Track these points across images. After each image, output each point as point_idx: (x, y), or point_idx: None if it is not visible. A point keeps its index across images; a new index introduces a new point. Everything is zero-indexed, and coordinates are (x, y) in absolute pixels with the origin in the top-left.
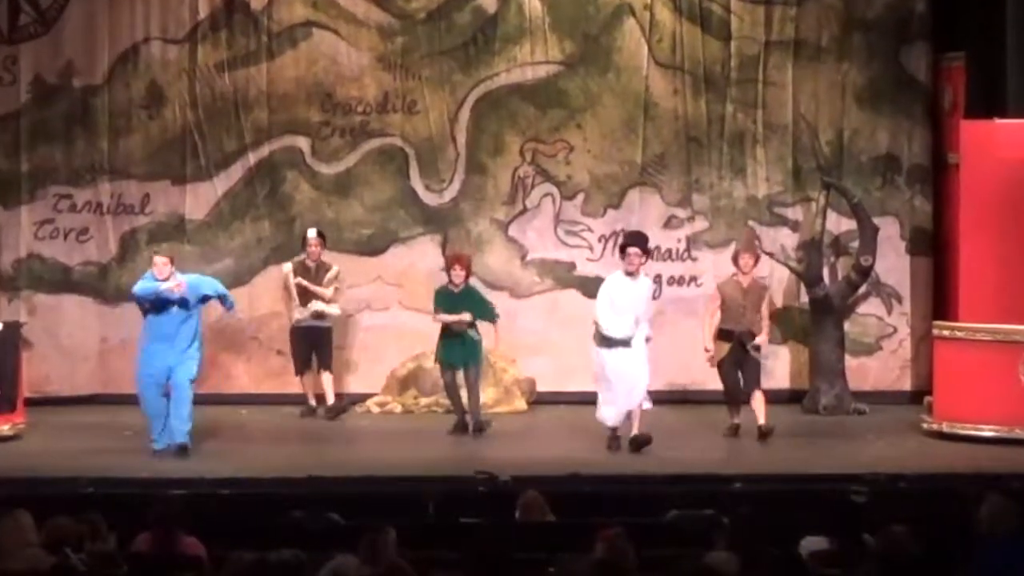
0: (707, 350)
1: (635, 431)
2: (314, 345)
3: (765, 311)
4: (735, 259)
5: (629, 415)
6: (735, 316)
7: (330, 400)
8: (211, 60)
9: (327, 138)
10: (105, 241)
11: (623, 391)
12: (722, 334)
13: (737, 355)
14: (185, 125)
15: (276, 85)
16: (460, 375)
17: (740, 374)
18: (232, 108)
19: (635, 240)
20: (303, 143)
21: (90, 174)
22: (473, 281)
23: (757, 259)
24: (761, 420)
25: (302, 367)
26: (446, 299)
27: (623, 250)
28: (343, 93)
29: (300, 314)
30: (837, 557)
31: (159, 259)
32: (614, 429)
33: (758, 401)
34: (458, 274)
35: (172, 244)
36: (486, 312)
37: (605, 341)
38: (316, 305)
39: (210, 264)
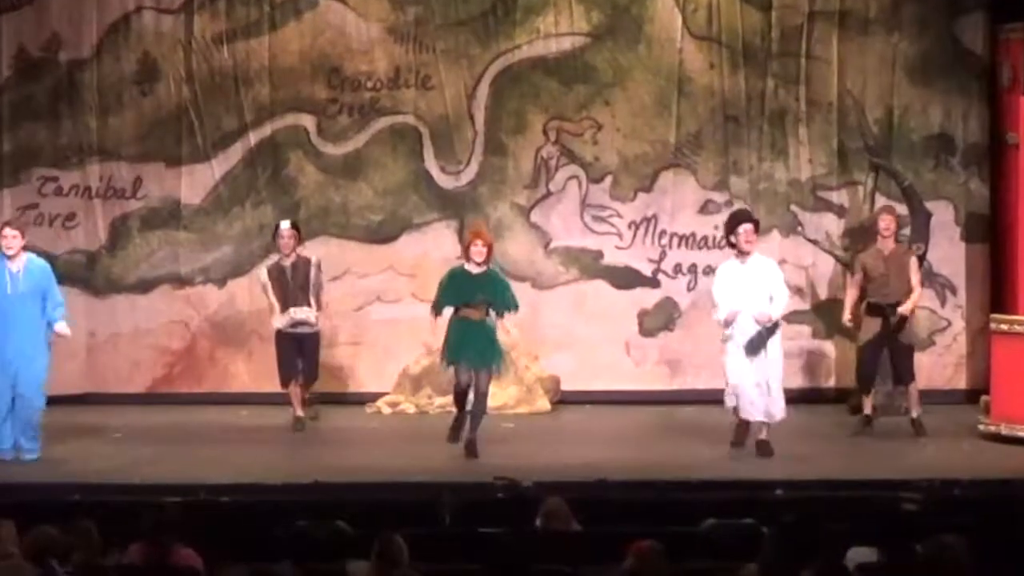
0: (848, 321)
1: (763, 434)
2: (300, 352)
3: (915, 277)
4: (873, 224)
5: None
6: (879, 287)
7: (298, 411)
8: (209, 31)
9: (334, 116)
10: (94, 228)
11: (756, 396)
12: (870, 308)
13: (886, 335)
14: (180, 102)
15: (279, 59)
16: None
17: (888, 356)
18: (231, 84)
19: (744, 216)
20: (308, 122)
21: (77, 155)
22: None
23: (899, 221)
24: (915, 412)
25: (288, 376)
26: (461, 284)
27: (731, 230)
28: (351, 67)
29: (280, 322)
30: (887, 569)
31: (8, 231)
32: (744, 421)
33: (912, 392)
34: (480, 251)
35: (167, 231)
36: (506, 299)
37: (728, 334)
38: (295, 312)
39: (208, 252)
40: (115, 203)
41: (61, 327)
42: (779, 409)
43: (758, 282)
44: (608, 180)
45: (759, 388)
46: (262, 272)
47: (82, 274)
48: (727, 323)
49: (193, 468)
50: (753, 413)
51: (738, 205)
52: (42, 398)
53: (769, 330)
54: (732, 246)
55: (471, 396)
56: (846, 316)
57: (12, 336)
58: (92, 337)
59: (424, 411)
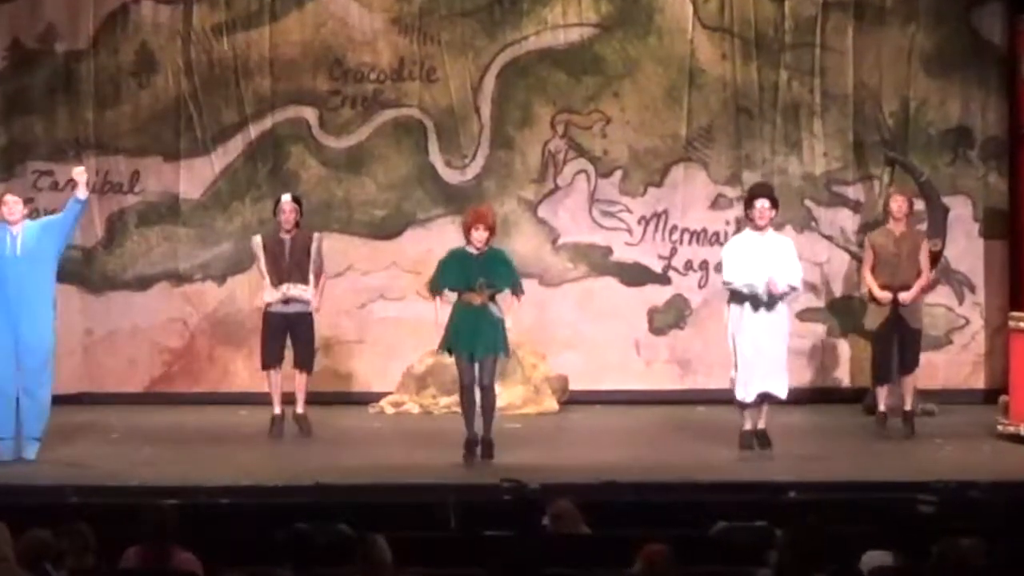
0: (881, 300)
1: (761, 423)
2: (290, 334)
3: (925, 262)
4: (886, 205)
5: (760, 404)
6: (889, 269)
7: (299, 408)
8: (208, 22)
9: (336, 109)
10: (90, 223)
11: (760, 368)
12: (880, 291)
13: (895, 320)
14: (179, 95)
15: (280, 50)
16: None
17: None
18: (231, 76)
19: (761, 191)
20: (310, 114)
21: (74, 149)
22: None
23: (912, 203)
24: (908, 406)
25: (270, 359)
26: (461, 264)
27: (748, 204)
28: (354, 59)
29: (271, 296)
30: (902, 573)
31: (10, 198)
32: (751, 422)
33: (908, 382)
34: (480, 236)
35: (165, 227)
36: (510, 280)
37: (738, 297)
38: (289, 289)
39: (207, 249)
40: (112, 198)
41: (76, 171)
42: (782, 386)
43: (774, 256)
44: (617, 174)
45: (764, 362)
46: (256, 239)
47: (78, 271)
48: (762, 291)
49: (192, 469)
50: (752, 391)
51: None
52: (49, 367)
53: (779, 306)
54: (750, 220)
55: (477, 393)
56: (877, 291)
57: (16, 297)
58: (89, 335)
59: (428, 411)
